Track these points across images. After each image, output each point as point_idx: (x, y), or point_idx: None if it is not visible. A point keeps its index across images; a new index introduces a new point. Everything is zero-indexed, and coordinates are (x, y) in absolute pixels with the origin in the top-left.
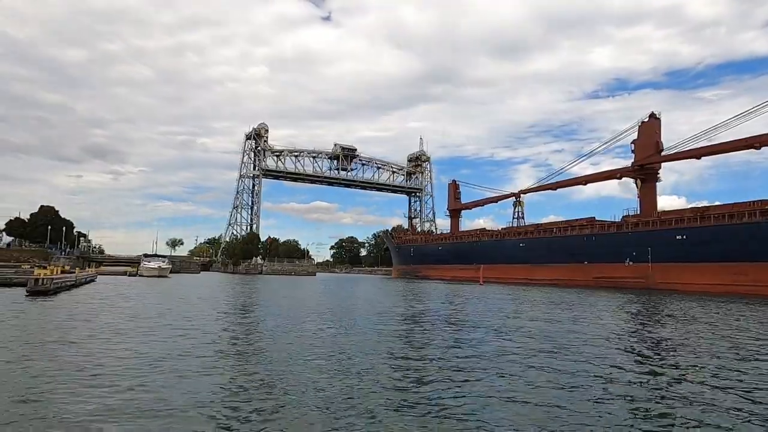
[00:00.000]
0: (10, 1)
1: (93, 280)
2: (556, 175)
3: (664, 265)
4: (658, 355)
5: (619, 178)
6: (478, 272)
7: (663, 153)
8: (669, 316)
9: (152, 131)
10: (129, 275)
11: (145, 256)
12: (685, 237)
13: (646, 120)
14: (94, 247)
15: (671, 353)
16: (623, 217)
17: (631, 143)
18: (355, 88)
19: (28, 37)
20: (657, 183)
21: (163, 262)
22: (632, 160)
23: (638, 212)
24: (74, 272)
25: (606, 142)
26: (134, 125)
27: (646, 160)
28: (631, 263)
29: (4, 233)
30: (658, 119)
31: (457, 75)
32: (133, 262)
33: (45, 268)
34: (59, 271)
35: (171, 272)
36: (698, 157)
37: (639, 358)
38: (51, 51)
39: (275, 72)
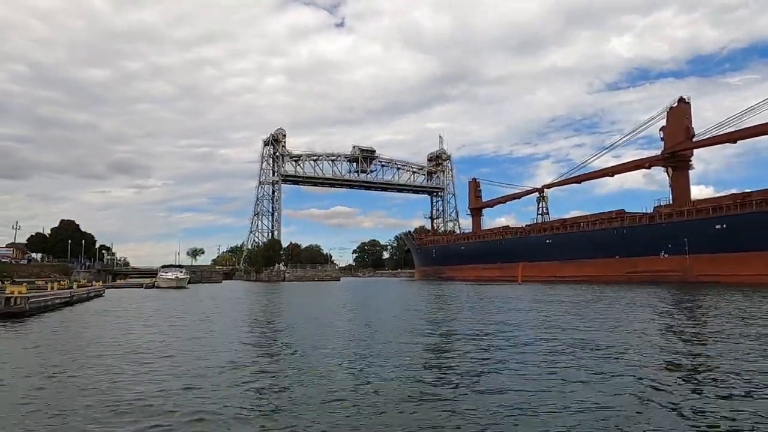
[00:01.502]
0: (37, 28)
1: (100, 295)
2: (577, 169)
3: (702, 257)
4: None
5: (648, 167)
6: (503, 271)
7: (695, 139)
8: None
9: (173, 145)
10: (146, 287)
11: (163, 267)
12: (724, 226)
13: (675, 105)
14: (119, 260)
15: None
16: (655, 207)
17: (660, 130)
18: (372, 92)
19: (54, 60)
20: (689, 171)
21: (181, 272)
22: (661, 149)
23: (670, 202)
24: (71, 287)
25: (628, 134)
26: (156, 140)
27: (677, 147)
28: (666, 256)
29: (28, 251)
30: (688, 104)
31: (474, 74)
32: (155, 274)
33: (20, 284)
34: (56, 288)
35: (191, 282)
36: (734, 141)
37: None
38: (75, 72)
39: (292, 81)
